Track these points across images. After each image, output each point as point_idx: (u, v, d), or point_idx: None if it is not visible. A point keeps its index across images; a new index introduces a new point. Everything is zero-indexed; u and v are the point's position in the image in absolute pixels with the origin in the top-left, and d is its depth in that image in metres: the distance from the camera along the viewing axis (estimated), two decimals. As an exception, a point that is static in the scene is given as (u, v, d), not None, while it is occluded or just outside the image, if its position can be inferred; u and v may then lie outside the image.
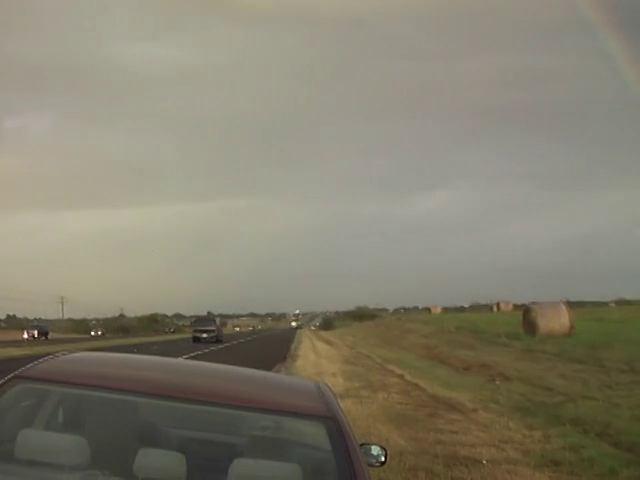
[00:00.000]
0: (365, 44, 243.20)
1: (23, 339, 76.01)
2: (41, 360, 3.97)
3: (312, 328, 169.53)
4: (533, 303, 46.08)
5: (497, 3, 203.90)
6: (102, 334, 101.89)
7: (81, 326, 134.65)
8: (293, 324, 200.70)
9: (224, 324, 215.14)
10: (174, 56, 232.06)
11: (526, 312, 40.31)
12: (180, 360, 6.69)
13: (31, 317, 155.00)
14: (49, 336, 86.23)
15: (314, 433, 3.85)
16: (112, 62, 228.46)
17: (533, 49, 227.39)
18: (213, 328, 70.66)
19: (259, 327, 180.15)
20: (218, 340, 67.14)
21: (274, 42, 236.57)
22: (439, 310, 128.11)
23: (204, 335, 67.73)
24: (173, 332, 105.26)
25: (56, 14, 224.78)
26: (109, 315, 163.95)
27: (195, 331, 71.55)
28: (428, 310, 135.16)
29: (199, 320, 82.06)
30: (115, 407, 3.92)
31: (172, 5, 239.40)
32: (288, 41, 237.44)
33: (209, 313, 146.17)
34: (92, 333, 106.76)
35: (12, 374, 3.73)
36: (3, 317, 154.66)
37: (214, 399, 3.65)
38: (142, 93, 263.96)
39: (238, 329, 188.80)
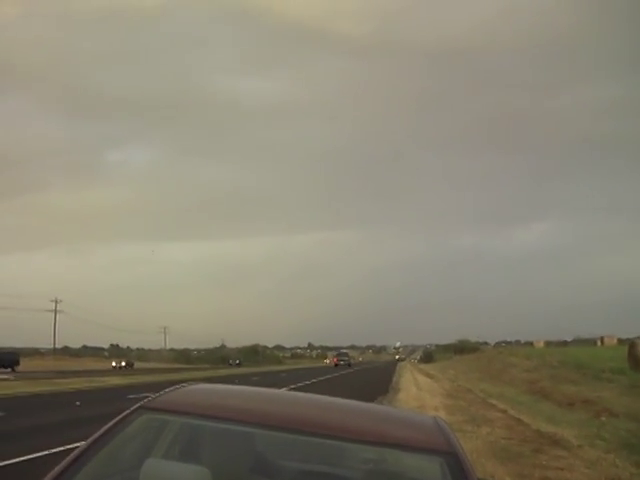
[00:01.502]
0: (466, 76, 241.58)
1: (112, 368, 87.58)
2: (165, 391, 4.16)
3: (413, 361, 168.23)
4: (638, 338, 44.96)
5: (594, 34, 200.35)
6: (238, 364, 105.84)
7: (183, 356, 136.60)
8: (396, 357, 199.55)
9: (325, 356, 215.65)
10: (277, 89, 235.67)
11: (632, 347, 39.31)
12: (292, 392, 6.73)
13: (134, 347, 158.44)
14: (134, 366, 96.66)
15: (431, 469, 3.77)
16: (214, 95, 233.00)
17: (629, 79, 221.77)
18: (347, 358, 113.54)
19: (360, 359, 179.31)
20: (349, 365, 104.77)
21: (376, 74, 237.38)
22: (541, 344, 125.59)
23: (342, 362, 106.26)
24: (238, 365, 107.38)
25: (160, 48, 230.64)
26: (210, 345, 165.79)
27: (338, 358, 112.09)
28: (530, 344, 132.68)
29: (340, 353, 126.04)
30: (232, 438, 4.09)
31: (276, 38, 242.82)
32: (391, 73, 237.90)
33: (352, 349, 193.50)
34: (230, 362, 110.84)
35: (137, 405, 3.94)
36: (106, 346, 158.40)
37: (331, 432, 3.66)
38: (244, 126, 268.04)
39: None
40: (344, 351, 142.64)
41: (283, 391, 6.73)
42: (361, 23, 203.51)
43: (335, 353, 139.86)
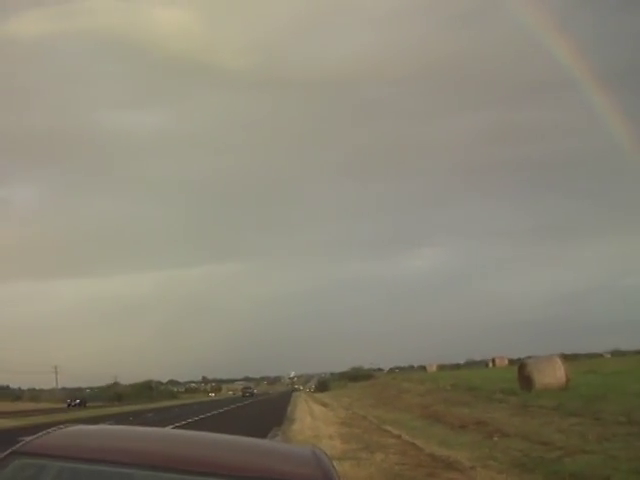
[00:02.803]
0: (347, 107, 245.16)
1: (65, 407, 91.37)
2: (38, 435, 3.97)
3: (308, 390, 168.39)
4: (528, 358, 46.02)
5: (473, 62, 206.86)
6: (80, 404, 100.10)
7: (75, 395, 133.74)
8: (291, 387, 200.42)
9: (219, 389, 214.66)
10: (158, 123, 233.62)
11: (521, 367, 40.22)
12: (174, 430, 6.59)
13: (25, 387, 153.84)
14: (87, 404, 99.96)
15: None
16: (99, 130, 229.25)
17: (516, 106, 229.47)
18: (252, 389, 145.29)
19: (254, 391, 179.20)
20: (252, 395, 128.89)
21: (257, 107, 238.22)
22: (434, 368, 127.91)
23: (247, 394, 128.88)
24: (80, 404, 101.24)
25: (42, 84, 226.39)
26: (103, 383, 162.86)
27: (244, 391, 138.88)
28: (423, 368, 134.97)
29: (246, 387, 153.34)
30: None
31: (159, 72, 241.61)
32: (271, 106, 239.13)
33: (247, 381, 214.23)
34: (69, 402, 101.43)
35: (10, 449, 3.73)
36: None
37: (210, 469, 3.63)
38: (130, 160, 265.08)
39: (232, 393, 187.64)
40: (248, 384, 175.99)
41: (165, 429, 6.53)
42: (244, 56, 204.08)
43: (226, 386, 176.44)
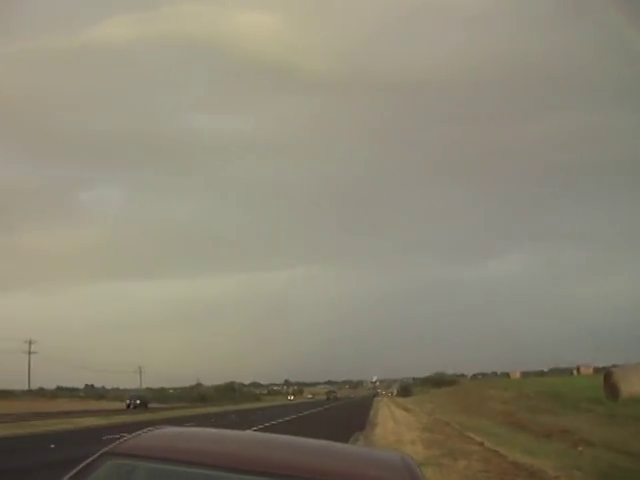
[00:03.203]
0: (434, 109, 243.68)
1: (125, 408, 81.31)
2: (129, 436, 4.10)
3: (390, 395, 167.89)
4: (614, 366, 45.16)
5: (560, 65, 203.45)
6: (139, 405, 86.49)
7: (158, 395, 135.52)
8: (374, 391, 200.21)
9: (301, 392, 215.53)
10: (244, 126, 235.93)
11: (607, 376, 39.46)
12: (259, 433, 6.64)
13: (109, 387, 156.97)
14: (149, 405, 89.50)
15: None
16: (182, 134, 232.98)
17: (599, 109, 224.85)
18: (335, 393, 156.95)
19: (338, 395, 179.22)
20: (336, 399, 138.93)
21: (345, 110, 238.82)
22: (518, 375, 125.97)
23: (331, 397, 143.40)
24: (139, 406, 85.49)
25: (126, 88, 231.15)
26: (187, 384, 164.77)
27: (328, 394, 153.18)
28: (507, 375, 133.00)
29: (330, 391, 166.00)
30: None
31: (240, 75, 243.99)
32: (358, 108, 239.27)
33: (329, 385, 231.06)
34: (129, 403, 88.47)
35: (102, 450, 3.87)
36: (81, 386, 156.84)
37: (298, 472, 3.63)
38: (214, 164, 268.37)
39: (311, 396, 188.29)
40: (332, 389, 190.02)
41: (250, 432, 6.68)
42: (331, 60, 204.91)
43: (308, 390, 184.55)
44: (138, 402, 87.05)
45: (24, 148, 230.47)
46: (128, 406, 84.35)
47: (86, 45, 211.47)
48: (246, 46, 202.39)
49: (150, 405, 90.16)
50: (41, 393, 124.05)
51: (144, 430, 4.25)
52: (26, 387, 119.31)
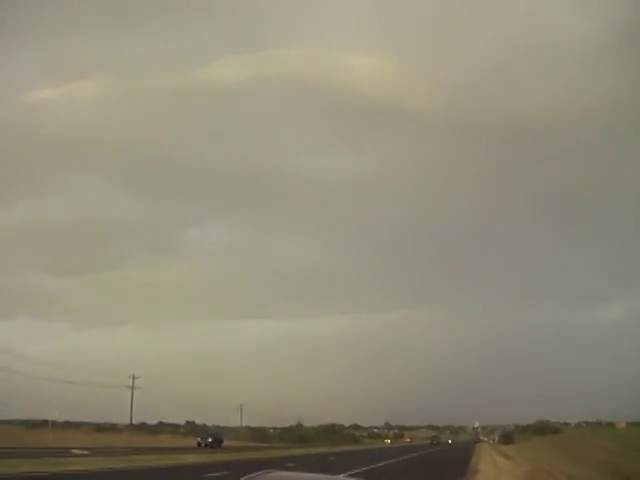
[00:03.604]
0: (534, 153, 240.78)
1: (196, 446, 76.33)
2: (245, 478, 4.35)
3: (491, 442, 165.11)
4: None
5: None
6: (212, 443, 79.81)
7: (259, 434, 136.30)
8: (475, 437, 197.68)
9: (402, 435, 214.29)
10: (347, 166, 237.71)
11: None
12: None
13: (210, 424, 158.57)
14: (223, 444, 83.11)
15: None
16: (288, 173, 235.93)
17: None
18: (439, 439, 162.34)
19: (440, 440, 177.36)
20: (439, 443, 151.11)
21: (443, 151, 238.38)
22: (623, 425, 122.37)
23: (435, 442, 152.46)
24: (212, 444, 79.45)
25: (236, 127, 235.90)
26: (287, 424, 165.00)
27: (433, 439, 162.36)
28: (611, 425, 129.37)
29: (434, 436, 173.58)
30: None
31: (345, 117, 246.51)
32: (457, 150, 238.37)
33: (430, 429, 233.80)
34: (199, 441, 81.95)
35: None
36: (182, 422, 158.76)
37: None
38: (318, 203, 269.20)
39: (409, 440, 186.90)
40: (436, 434, 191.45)
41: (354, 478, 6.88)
42: (432, 100, 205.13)
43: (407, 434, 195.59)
44: (210, 440, 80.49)
45: (136, 185, 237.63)
46: (199, 444, 78.53)
47: (196, 86, 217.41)
48: (353, 87, 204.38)
49: (225, 444, 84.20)
50: (143, 428, 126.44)
51: (257, 473, 4.52)
52: (129, 421, 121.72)
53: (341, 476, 5.68)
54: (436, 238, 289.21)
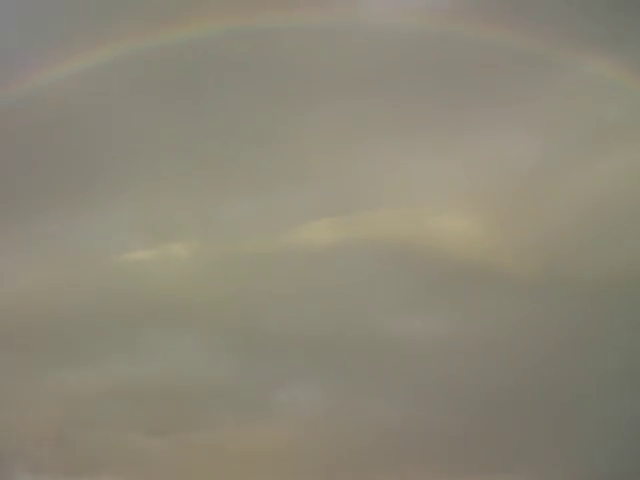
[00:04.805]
0: (634, 311, 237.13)
1: None
2: None
3: None
4: None
5: None
6: None
7: None
8: None
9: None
10: (437, 329, 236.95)
11: None
12: None
13: None
14: None
15: None
16: (377, 335, 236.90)
17: None
18: None
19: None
20: None
21: (537, 312, 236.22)
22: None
23: None
24: None
25: (323, 289, 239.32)
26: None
27: None
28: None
29: None
30: None
31: (436, 279, 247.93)
32: (551, 310, 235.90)
33: None
34: None
35: None
36: None
37: None
38: (407, 364, 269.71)
39: None
40: None
41: None
42: (524, 261, 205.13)
43: None
44: None
45: (225, 347, 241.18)
46: None
47: (287, 247, 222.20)
48: (441, 249, 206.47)
49: None
50: None
51: None
52: None
53: None
54: (532, 400, 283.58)
